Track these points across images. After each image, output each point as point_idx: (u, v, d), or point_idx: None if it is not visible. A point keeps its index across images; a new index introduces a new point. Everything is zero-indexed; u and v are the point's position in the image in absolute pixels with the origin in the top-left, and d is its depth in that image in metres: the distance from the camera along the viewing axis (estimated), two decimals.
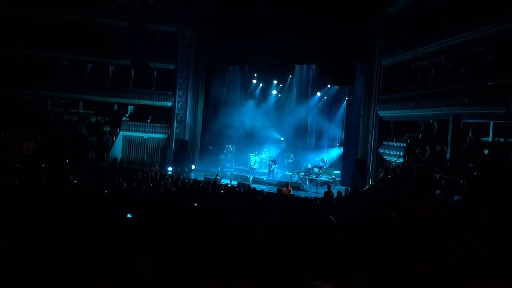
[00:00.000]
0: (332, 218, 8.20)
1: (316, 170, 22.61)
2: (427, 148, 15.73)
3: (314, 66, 25.89)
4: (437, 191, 11.76)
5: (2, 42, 23.67)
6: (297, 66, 26.47)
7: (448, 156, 15.00)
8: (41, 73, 24.74)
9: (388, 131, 20.50)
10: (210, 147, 25.95)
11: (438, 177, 12.89)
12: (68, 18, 24.23)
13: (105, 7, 21.69)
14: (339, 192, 15.04)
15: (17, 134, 22.00)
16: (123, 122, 25.17)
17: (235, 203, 11.18)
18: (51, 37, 24.21)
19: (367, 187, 18.03)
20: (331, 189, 16.13)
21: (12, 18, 23.90)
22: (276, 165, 23.49)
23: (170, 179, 16.72)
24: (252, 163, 24.06)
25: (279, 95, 28.24)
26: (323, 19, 19.39)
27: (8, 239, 4.95)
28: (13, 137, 21.72)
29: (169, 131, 25.03)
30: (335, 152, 26.18)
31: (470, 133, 14.02)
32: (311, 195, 17.77)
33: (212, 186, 14.72)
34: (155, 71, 25.15)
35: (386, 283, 4.59)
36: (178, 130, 24.91)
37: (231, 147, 25.83)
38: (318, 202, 13.99)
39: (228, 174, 22.96)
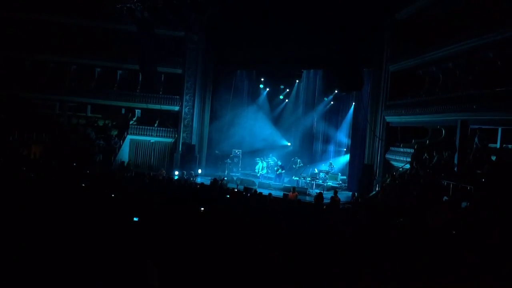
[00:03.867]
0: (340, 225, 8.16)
1: (322, 175, 22.56)
2: (434, 154, 15.64)
3: (321, 71, 25.88)
4: (445, 198, 11.70)
5: (12, 46, 23.91)
6: (304, 71, 26.49)
7: (455, 162, 14.91)
8: (50, 77, 24.94)
9: (395, 136, 20.40)
10: (217, 152, 25.97)
11: (445, 183, 12.81)
12: (77, 22, 24.45)
13: (114, 12, 21.79)
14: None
15: (26, 138, 22.14)
16: (130, 126, 25.27)
17: (242, 207, 11.17)
18: (60, 41, 24.43)
19: (374, 192, 17.95)
20: (337, 194, 16.08)
21: (21, 22, 24.13)
22: (284, 171, 23.43)
23: (176, 183, 16.78)
24: (259, 169, 24.03)
25: (286, 100, 28.27)
26: (332, 25, 19.39)
27: (16, 241, 4.98)
28: (21, 141, 21.86)
29: (176, 135, 25.09)
30: (342, 157, 26.12)
31: (476, 139, 13.93)
32: None
33: (218, 189, 14.73)
34: (163, 75, 25.26)
35: None
36: (185, 134, 24.96)
37: (238, 151, 25.85)
38: (325, 207, 13.96)
39: (235, 179, 22.98)
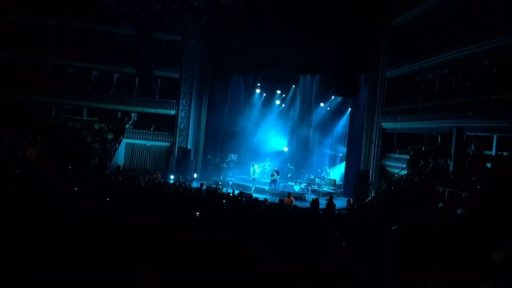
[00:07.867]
0: (335, 231, 8.14)
1: (318, 180, 22.54)
2: (430, 160, 15.68)
3: (318, 76, 25.95)
4: (440, 204, 11.71)
5: (9, 48, 23.84)
6: (301, 76, 26.54)
7: (451, 169, 14.94)
8: (47, 79, 24.87)
9: (391, 143, 20.42)
10: (213, 157, 25.94)
11: (441, 190, 12.81)
12: (74, 25, 24.45)
13: (111, 15, 21.78)
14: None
15: (21, 140, 22.03)
16: (126, 129, 25.22)
17: (237, 212, 11.15)
18: (57, 44, 24.40)
19: (370, 198, 17.95)
20: (333, 200, 16.09)
21: (18, 25, 24.09)
22: (279, 176, 23.31)
23: (172, 187, 16.74)
24: (252, 173, 23.98)
25: (283, 105, 28.31)
26: (329, 31, 19.43)
27: (8, 247, 4.93)
28: (17, 143, 21.74)
29: (172, 139, 25.06)
30: (338, 162, 26.14)
31: (472, 146, 13.97)
32: None
33: (213, 194, 14.70)
34: (159, 79, 25.25)
35: None
36: (181, 139, 24.92)
37: (234, 156, 25.83)
38: (320, 212, 13.95)
39: (230, 183, 22.93)
